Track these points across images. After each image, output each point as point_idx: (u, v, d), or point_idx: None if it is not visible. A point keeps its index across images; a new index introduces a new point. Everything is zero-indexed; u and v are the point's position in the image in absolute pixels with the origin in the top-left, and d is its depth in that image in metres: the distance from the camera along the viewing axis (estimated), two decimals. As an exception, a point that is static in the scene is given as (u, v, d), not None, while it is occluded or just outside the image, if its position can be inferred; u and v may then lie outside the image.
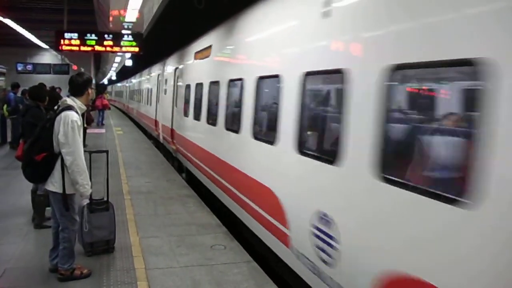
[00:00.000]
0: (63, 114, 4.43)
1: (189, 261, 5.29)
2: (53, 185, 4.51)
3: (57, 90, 13.74)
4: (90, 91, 4.85)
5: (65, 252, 4.63)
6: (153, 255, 5.43)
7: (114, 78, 56.62)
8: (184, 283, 4.69)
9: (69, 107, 4.50)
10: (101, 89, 38.47)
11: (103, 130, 19.94)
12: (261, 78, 5.65)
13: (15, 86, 13.93)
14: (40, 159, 4.45)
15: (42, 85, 7.09)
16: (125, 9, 13.41)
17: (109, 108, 29.14)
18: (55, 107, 4.71)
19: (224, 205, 7.16)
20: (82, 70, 29.63)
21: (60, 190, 4.48)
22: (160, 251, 5.58)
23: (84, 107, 4.82)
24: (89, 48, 13.03)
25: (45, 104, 6.56)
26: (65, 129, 4.34)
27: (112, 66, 44.42)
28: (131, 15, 14.10)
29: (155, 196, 8.37)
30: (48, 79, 20.40)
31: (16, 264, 5.10)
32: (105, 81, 65.16)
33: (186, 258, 5.41)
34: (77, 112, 4.51)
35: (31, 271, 4.91)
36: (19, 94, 13.73)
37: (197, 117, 9.15)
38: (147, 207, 7.63)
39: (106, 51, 13.79)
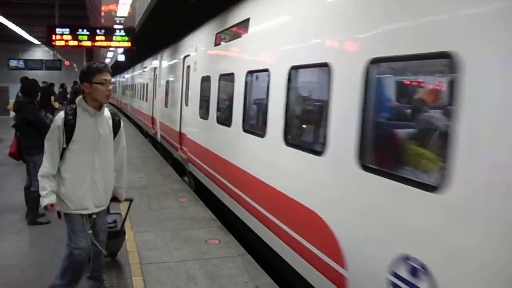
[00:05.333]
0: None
1: (184, 255, 5.31)
2: None
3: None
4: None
5: (61, 266, 3.99)
6: (148, 250, 5.44)
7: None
8: (178, 277, 4.71)
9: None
10: None
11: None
12: None
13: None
14: None
15: (34, 81, 7.03)
16: (117, 3, 13.34)
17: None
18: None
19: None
20: (75, 65, 29.51)
21: None
22: (154, 246, 5.59)
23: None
24: (81, 43, 12.93)
25: (37, 99, 6.52)
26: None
27: (104, 61, 44.13)
28: (123, 9, 14.04)
29: (148, 191, 8.38)
30: (40, 75, 20.28)
31: (10, 261, 5.08)
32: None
33: (181, 252, 5.43)
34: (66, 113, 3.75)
35: (25, 267, 4.89)
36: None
37: None
38: (140, 202, 7.63)
39: (98, 46, 13.69)
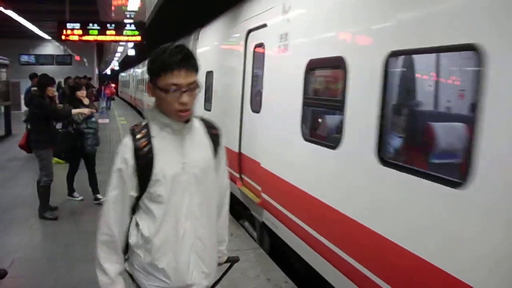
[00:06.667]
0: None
1: (196, 249, 5.28)
2: None
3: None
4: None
5: None
6: (159, 244, 5.41)
7: (117, 68, 56.46)
8: (190, 271, 4.67)
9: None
10: (105, 79, 38.15)
11: (107, 120, 19.91)
12: None
13: (33, 77, 11.90)
14: None
15: (43, 75, 7.05)
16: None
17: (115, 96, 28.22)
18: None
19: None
20: (85, 60, 29.63)
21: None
22: (166, 240, 5.56)
23: None
24: (92, 38, 12.98)
25: (46, 92, 6.51)
26: None
27: (114, 56, 44.35)
28: (134, 3, 14.04)
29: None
30: (51, 70, 20.38)
31: (23, 254, 5.11)
32: (108, 71, 65.01)
33: (193, 246, 5.39)
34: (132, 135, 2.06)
35: (38, 260, 4.93)
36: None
37: None
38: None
39: (108, 40, 13.76)
